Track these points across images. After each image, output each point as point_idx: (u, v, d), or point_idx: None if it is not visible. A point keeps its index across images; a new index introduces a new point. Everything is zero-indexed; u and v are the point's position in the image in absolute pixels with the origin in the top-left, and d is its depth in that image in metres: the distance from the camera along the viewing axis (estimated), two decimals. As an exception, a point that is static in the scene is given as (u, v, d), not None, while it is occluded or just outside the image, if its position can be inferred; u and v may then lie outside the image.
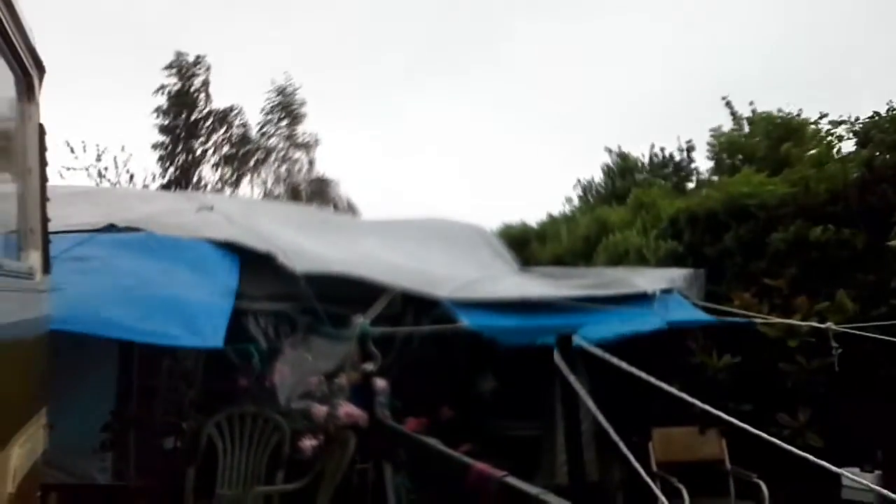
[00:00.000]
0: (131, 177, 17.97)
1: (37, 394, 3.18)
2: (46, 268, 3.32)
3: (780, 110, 12.04)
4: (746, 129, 12.98)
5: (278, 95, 20.41)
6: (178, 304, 5.52)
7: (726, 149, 12.79)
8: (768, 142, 11.29)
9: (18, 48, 2.73)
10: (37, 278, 3.12)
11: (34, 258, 3.10)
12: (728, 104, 13.22)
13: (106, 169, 17.51)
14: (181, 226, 6.34)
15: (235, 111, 20.13)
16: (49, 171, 3.39)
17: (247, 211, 7.66)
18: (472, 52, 26.29)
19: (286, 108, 20.47)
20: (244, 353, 5.90)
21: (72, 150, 16.91)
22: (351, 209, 19.49)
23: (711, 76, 23.17)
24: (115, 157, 17.65)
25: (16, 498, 2.58)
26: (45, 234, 3.33)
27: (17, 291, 2.70)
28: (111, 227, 6.03)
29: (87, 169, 17.21)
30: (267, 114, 20.47)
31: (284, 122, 20.55)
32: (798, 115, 11.73)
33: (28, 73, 2.99)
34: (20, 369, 2.82)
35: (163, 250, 6.03)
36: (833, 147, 9.06)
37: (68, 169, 16.81)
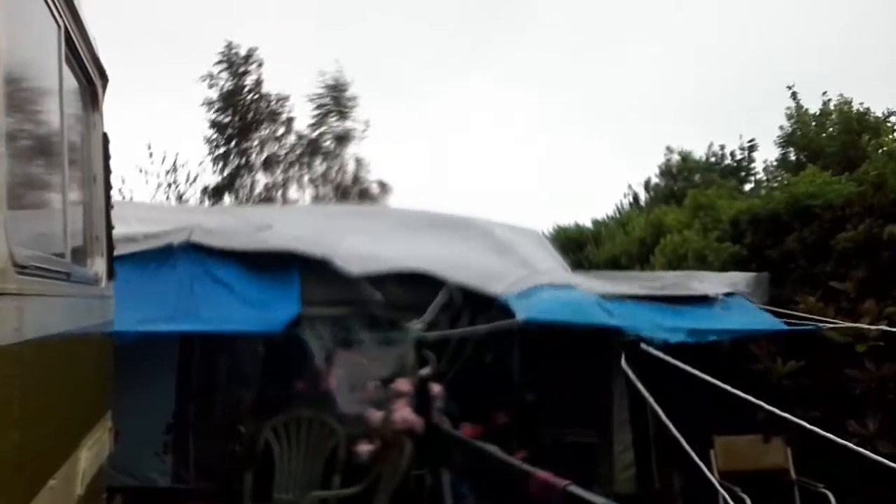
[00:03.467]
0: (204, 190, 18.24)
1: (103, 398, 3.23)
2: (111, 274, 3.37)
3: (861, 104, 11.66)
4: (813, 124, 12.61)
5: (329, 90, 19.90)
6: (243, 297, 5.69)
7: (796, 142, 12.41)
8: (845, 137, 10.91)
9: (83, 58, 2.78)
10: (102, 284, 3.17)
11: (99, 265, 3.15)
12: (794, 95, 12.85)
13: (176, 182, 17.81)
14: (240, 236, 6.43)
15: (286, 106, 19.62)
16: (113, 177, 3.45)
17: (299, 219, 7.73)
18: (525, 49, 26.12)
19: (337, 103, 20.02)
20: (302, 354, 5.96)
21: (150, 156, 17.23)
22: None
23: (772, 73, 22.58)
24: (187, 173, 17.92)
25: (84, 500, 2.62)
26: (110, 241, 3.38)
27: (84, 298, 2.74)
28: (170, 248, 6.15)
29: (158, 176, 17.50)
30: (317, 110, 19.97)
31: (335, 119, 20.08)
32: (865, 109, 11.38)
33: (92, 83, 3.05)
34: (88, 373, 2.87)
35: (224, 263, 6.16)
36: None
37: (142, 171, 17.11)
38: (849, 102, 12.16)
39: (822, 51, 22.06)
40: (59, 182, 2.44)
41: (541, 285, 6.18)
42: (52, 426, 2.19)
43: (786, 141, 13.14)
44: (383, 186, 19.98)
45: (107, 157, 3.33)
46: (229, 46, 18.98)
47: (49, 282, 2.06)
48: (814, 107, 12.82)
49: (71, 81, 2.69)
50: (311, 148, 19.73)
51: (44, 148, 2.36)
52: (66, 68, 2.48)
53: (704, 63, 24.35)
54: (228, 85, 19.14)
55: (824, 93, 12.77)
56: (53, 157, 2.41)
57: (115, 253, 3.53)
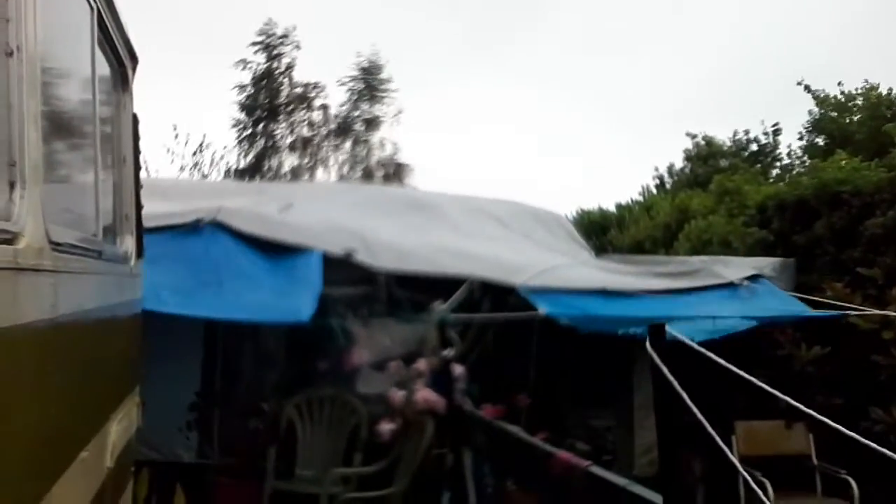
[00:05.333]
0: (228, 171, 18.29)
1: (132, 373, 3.30)
2: (140, 252, 3.43)
3: (889, 89, 11.43)
4: (834, 113, 12.41)
5: (363, 73, 19.79)
6: (269, 281, 5.74)
7: (824, 127, 12.21)
8: (872, 122, 10.72)
9: (115, 40, 2.82)
10: (131, 263, 3.23)
11: (129, 243, 3.21)
12: (807, 88, 12.69)
13: (201, 162, 17.89)
14: (264, 220, 6.47)
15: (318, 89, 19.62)
16: (142, 157, 3.50)
17: (326, 200, 7.76)
18: (549, 31, 25.90)
19: (369, 87, 19.91)
20: (325, 333, 6.01)
21: (176, 136, 17.32)
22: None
23: (792, 58, 22.21)
24: (212, 154, 17.97)
25: (113, 472, 2.68)
26: (139, 220, 3.44)
27: (114, 276, 2.80)
28: (197, 223, 6.20)
29: (183, 156, 17.61)
30: (349, 94, 19.87)
31: (366, 104, 20.00)
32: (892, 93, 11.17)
33: (123, 64, 3.09)
34: (118, 349, 2.93)
35: (248, 242, 6.21)
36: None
37: (169, 151, 17.22)
38: (875, 88, 11.97)
39: (840, 36, 21.65)
40: (91, 162, 2.48)
41: (563, 289, 6.17)
42: (84, 400, 2.25)
43: (814, 126, 12.95)
44: (406, 168, 19.93)
45: (136, 137, 3.38)
46: (268, 24, 18.95)
47: (82, 260, 2.11)
48: (833, 93, 12.64)
49: (103, 63, 2.73)
50: (341, 130, 19.70)
51: (77, 129, 2.40)
52: (98, 50, 2.51)
53: (728, 49, 23.96)
54: (262, 67, 19.13)
55: (839, 83, 12.62)
56: (86, 137, 2.46)
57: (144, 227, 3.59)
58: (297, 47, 19.19)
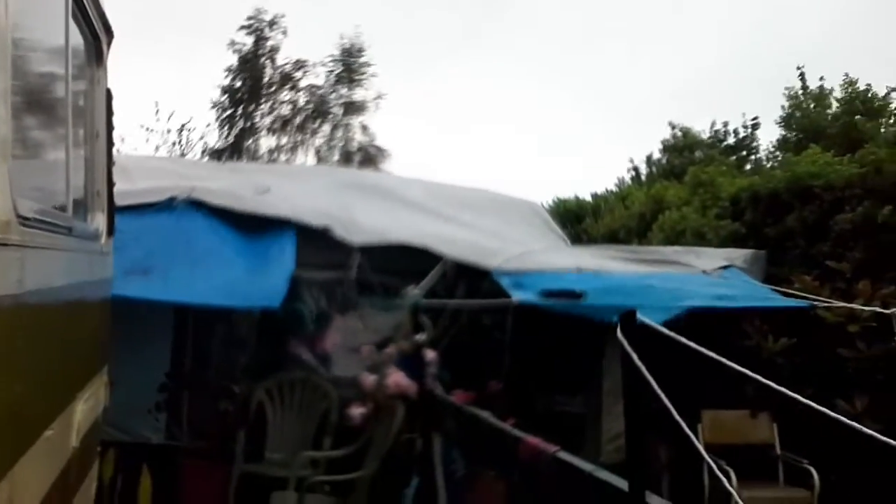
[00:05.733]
0: (205, 150, 18.18)
1: (100, 352, 3.26)
2: (111, 230, 3.38)
3: (867, 85, 11.62)
4: (812, 105, 12.58)
5: (344, 56, 19.78)
6: (241, 262, 5.69)
7: (797, 122, 12.40)
8: (845, 118, 10.88)
9: (90, 13, 2.76)
10: (102, 241, 3.18)
11: (100, 220, 3.16)
12: (801, 76, 12.82)
13: (180, 142, 17.72)
14: (239, 199, 6.41)
15: (302, 68, 19.60)
16: (116, 133, 3.45)
17: (303, 182, 7.71)
18: (524, 23, 25.89)
19: (349, 70, 19.88)
20: (297, 317, 5.98)
21: (156, 113, 17.12)
22: None
23: (773, 50, 22.41)
24: (190, 132, 17.80)
25: (79, 451, 2.66)
26: (111, 198, 3.39)
27: (84, 253, 2.75)
28: (171, 201, 6.14)
29: (161, 135, 17.43)
30: (330, 76, 19.89)
31: (345, 87, 19.99)
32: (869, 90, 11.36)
33: (98, 38, 3.03)
34: (87, 328, 2.89)
35: (223, 221, 6.15)
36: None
37: (148, 129, 17.04)
38: (854, 83, 12.13)
39: (824, 31, 21.90)
40: (63, 136, 2.43)
41: (536, 271, 6.21)
42: (49, 378, 2.22)
43: (786, 122, 13.13)
44: (383, 152, 19.93)
45: (110, 113, 3.32)
46: (258, 10, 19.02)
47: (51, 235, 2.07)
48: (811, 87, 12.82)
49: (76, 36, 2.67)
50: (319, 113, 19.68)
51: (48, 103, 2.35)
52: (72, 23, 2.46)
53: (710, 42, 24.15)
54: (249, 49, 19.13)
55: (821, 78, 12.79)
56: (57, 111, 2.41)
57: (117, 204, 3.54)
58: (284, 33, 19.30)
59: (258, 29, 19.25)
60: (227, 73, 19.26)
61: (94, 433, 3.18)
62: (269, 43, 19.33)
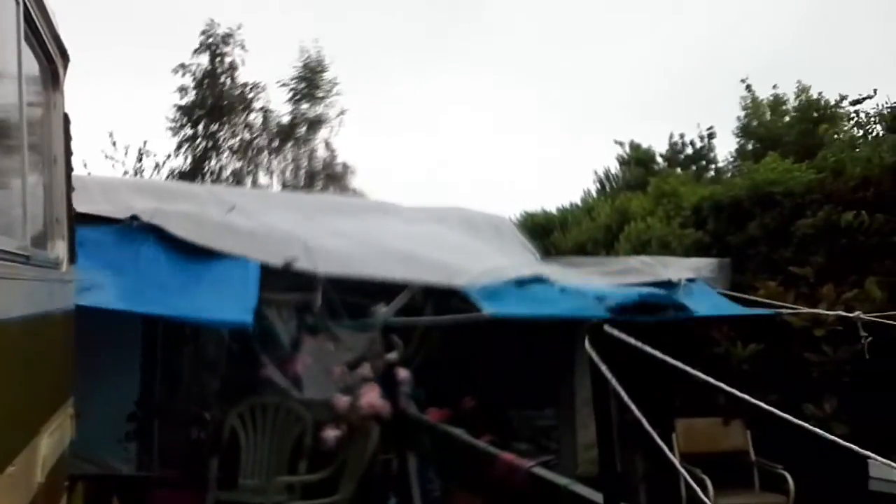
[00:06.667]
0: (169, 174, 17.89)
1: (64, 383, 3.18)
2: (72, 257, 3.32)
3: (819, 93, 11.89)
4: (768, 114, 12.85)
5: (306, 71, 19.35)
6: (205, 285, 5.60)
7: (753, 132, 12.66)
8: (801, 125, 11.11)
9: (44, 36, 2.72)
10: (63, 268, 3.12)
11: (60, 248, 3.10)
12: (748, 87, 13.12)
13: (142, 169, 17.46)
14: (202, 225, 6.32)
15: (257, 90, 19.17)
16: (74, 160, 3.39)
17: (266, 207, 7.65)
18: (483, 34, 26.12)
19: (312, 85, 19.47)
20: (267, 339, 5.92)
21: (114, 144, 16.89)
22: (361, 197, 18.68)
23: (730, 62, 22.89)
24: (147, 156, 17.54)
25: (45, 487, 2.58)
26: (71, 224, 3.33)
27: (44, 282, 2.70)
28: (134, 219, 6.04)
29: (123, 164, 17.17)
30: (291, 93, 19.45)
31: (307, 105, 19.64)
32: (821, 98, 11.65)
33: (53, 62, 2.98)
34: (49, 359, 2.82)
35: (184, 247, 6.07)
36: (866, 129, 8.93)
37: (108, 158, 16.77)
38: (806, 90, 12.44)
39: (775, 41, 22.45)
40: (18, 164, 2.38)
41: (505, 280, 6.24)
42: (10, 412, 2.16)
43: (743, 131, 13.41)
44: (348, 168, 19.72)
45: (68, 138, 3.27)
46: (210, 25, 18.56)
47: (7, 265, 2.03)
48: (765, 97, 13.16)
49: (30, 60, 2.63)
50: (283, 135, 19.37)
51: (1, 128, 2.30)
52: (25, 46, 2.42)
53: (662, 54, 24.59)
54: (204, 68, 18.70)
55: (774, 86, 13.11)
56: (12, 137, 2.36)
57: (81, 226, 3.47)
58: (243, 47, 18.83)
59: (213, 45, 18.77)
60: (181, 91, 18.72)
61: (62, 467, 3.10)
62: (228, 59, 18.86)
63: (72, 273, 3.29)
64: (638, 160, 15.13)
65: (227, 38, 18.74)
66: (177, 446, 6.35)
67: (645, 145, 15.57)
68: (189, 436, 6.34)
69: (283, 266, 5.93)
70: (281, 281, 6.03)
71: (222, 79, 18.78)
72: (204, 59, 18.78)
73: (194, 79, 18.65)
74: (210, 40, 18.68)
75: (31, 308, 2.37)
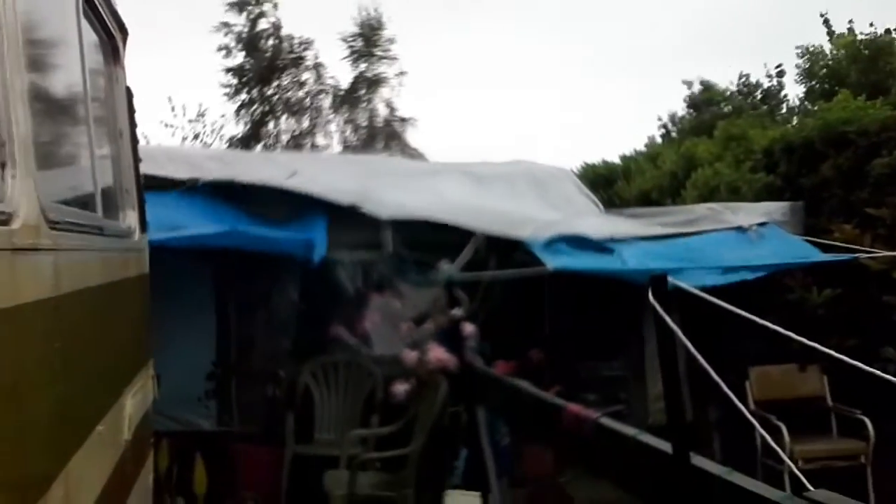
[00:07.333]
0: (229, 140, 18.05)
1: (144, 347, 3.33)
2: (143, 227, 3.43)
3: (871, 26, 11.31)
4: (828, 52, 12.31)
5: (364, 29, 18.94)
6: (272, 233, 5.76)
7: (819, 74, 12.14)
8: (857, 65, 10.63)
9: (102, 12, 2.78)
10: (135, 237, 3.23)
11: (131, 218, 3.21)
12: (826, 22, 12.50)
13: (202, 133, 17.72)
14: (266, 181, 6.45)
15: (310, 50, 18.74)
16: (139, 130, 3.48)
17: (327, 169, 7.74)
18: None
19: (370, 43, 18.68)
20: (336, 296, 6.06)
21: (172, 109, 17.14)
22: (420, 156, 18.36)
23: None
24: (212, 123, 17.74)
25: (132, 444, 2.72)
26: (140, 194, 3.43)
27: (118, 251, 2.80)
28: (196, 182, 6.19)
29: (182, 129, 17.44)
30: (349, 51, 18.99)
31: (365, 64, 19.29)
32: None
33: (112, 37, 3.05)
34: (127, 324, 2.95)
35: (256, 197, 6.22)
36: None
37: (168, 126, 17.08)
38: (848, 30, 11.91)
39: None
40: (86, 137, 2.46)
41: (567, 235, 6.18)
42: (95, 376, 2.27)
43: (808, 74, 12.86)
44: (407, 121, 19.31)
45: (131, 111, 3.36)
46: None
47: (83, 237, 2.11)
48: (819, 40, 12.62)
49: (91, 36, 2.69)
50: (342, 95, 19.09)
51: (68, 104, 2.38)
52: (85, 23, 2.48)
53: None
54: (244, 30, 18.38)
55: (850, 21, 12.51)
56: (78, 112, 2.44)
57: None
58: (275, 5, 18.35)
59: (245, 3, 18.07)
60: (226, 53, 18.09)
61: (146, 425, 3.26)
62: (265, 19, 18.35)
63: (143, 241, 3.41)
64: (709, 100, 14.60)
65: None
66: (254, 403, 6.59)
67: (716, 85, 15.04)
68: (265, 393, 6.56)
69: (350, 206, 6.02)
70: (347, 238, 6.13)
71: (269, 41, 18.36)
72: (241, 20, 18.29)
73: (238, 40, 18.21)
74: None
75: (107, 277, 2.47)
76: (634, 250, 6.12)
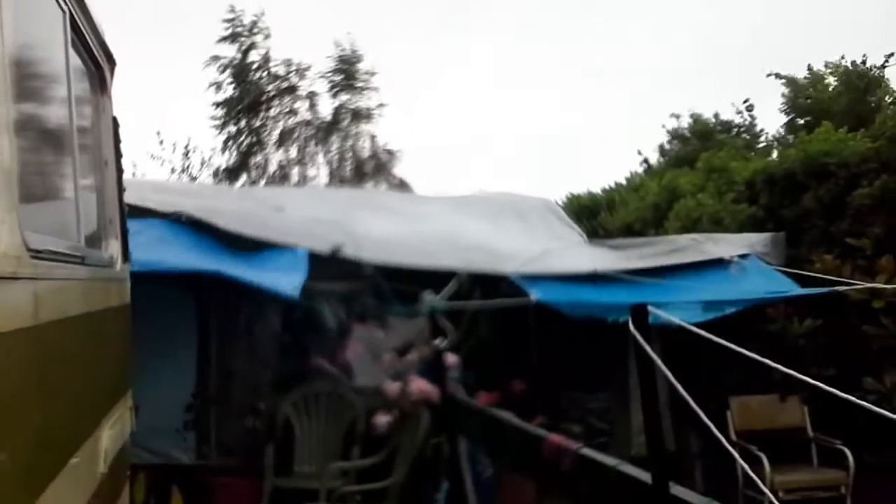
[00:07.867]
0: (216, 172, 18.10)
1: (122, 377, 3.29)
2: (125, 256, 3.42)
3: (862, 60, 11.58)
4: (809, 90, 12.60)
5: (342, 63, 19.09)
6: (256, 267, 5.72)
7: (801, 106, 12.39)
8: (849, 95, 10.83)
9: (90, 42, 2.80)
10: (117, 267, 3.22)
11: (114, 247, 3.20)
12: (777, 75, 13.00)
13: (189, 166, 17.74)
14: (248, 221, 6.41)
15: (305, 76, 18.87)
16: (125, 161, 3.48)
17: (312, 203, 7.75)
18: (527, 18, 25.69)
19: (350, 77, 18.89)
20: (318, 327, 6.01)
21: (161, 142, 17.16)
22: (405, 186, 18.18)
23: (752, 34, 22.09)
24: (200, 155, 17.79)
25: (108, 478, 2.68)
26: (124, 224, 3.43)
27: (100, 281, 2.78)
28: (179, 216, 6.16)
29: (170, 162, 17.45)
30: (330, 85, 19.20)
31: (346, 96, 19.35)
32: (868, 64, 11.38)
33: (100, 67, 3.06)
34: (107, 354, 2.92)
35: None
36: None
37: (155, 158, 17.08)
38: (841, 60, 12.21)
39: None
40: (70, 167, 2.46)
41: (553, 275, 6.22)
42: (72, 406, 2.24)
43: (790, 107, 13.15)
44: (392, 154, 19.49)
45: (117, 140, 3.36)
46: (233, 12, 18.30)
47: (63, 266, 2.10)
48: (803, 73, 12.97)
49: (78, 66, 2.70)
50: (327, 127, 19.22)
51: (53, 133, 2.38)
52: (72, 53, 2.49)
53: (690, 35, 23.85)
54: (234, 60, 18.52)
55: (808, 65, 12.93)
56: (63, 142, 2.44)
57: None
58: (267, 36, 18.52)
59: (237, 34, 18.27)
60: (217, 87, 18.35)
61: (123, 458, 3.21)
62: (256, 51, 18.49)
63: (125, 271, 3.39)
64: (700, 134, 14.81)
65: (252, 28, 18.34)
66: (233, 435, 6.52)
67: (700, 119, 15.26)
68: (245, 425, 6.49)
69: (331, 252, 6.00)
70: (329, 269, 6.11)
71: (258, 74, 18.50)
72: (231, 51, 18.44)
73: (228, 70, 18.26)
74: (235, 30, 18.27)
75: (87, 306, 2.45)
76: (616, 287, 6.15)
